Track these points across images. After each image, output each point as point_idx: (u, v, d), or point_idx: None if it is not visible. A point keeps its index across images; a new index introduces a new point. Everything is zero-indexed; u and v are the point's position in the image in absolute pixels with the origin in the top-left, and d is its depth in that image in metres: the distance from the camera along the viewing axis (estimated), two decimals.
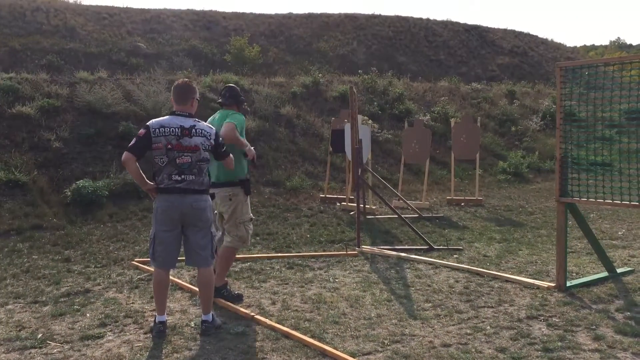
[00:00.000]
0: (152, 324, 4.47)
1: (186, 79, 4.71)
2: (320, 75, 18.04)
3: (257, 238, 8.02)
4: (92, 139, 11.10)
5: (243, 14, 31.38)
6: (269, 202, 10.38)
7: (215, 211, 5.15)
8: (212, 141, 4.39)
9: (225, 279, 5.28)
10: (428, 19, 34.73)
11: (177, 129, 4.29)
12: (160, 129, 4.30)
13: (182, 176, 4.30)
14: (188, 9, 30.35)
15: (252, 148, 5.19)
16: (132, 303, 5.17)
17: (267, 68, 23.08)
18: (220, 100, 5.29)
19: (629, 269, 6.12)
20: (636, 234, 8.12)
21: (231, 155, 4.60)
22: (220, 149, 4.49)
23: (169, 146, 4.27)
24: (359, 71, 20.09)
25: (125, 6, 29.10)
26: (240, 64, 22.23)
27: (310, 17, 32.29)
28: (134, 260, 6.67)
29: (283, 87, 16.36)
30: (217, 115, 5.24)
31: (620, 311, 4.78)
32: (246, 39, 24.60)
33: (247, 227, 5.18)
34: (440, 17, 46.82)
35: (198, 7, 41.98)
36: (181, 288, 5.59)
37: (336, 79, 18.67)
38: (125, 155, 4.30)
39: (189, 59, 23.52)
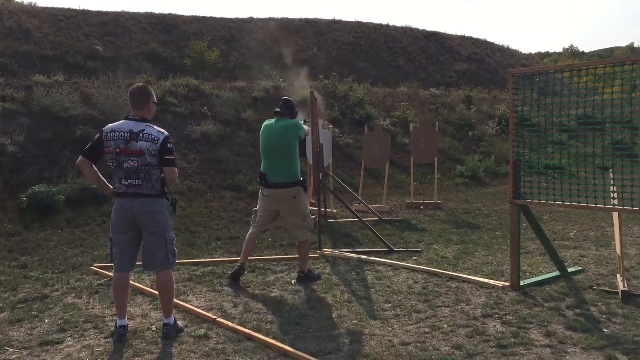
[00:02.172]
0: (112, 329, 4.46)
1: (141, 84, 4.69)
2: (281, 80, 18.08)
3: (219, 242, 8.04)
4: (48, 144, 10.89)
5: (203, 17, 31.11)
6: (230, 207, 10.37)
7: (255, 208, 6.12)
8: (159, 146, 4.29)
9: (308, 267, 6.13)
10: (388, 25, 35.09)
11: (126, 133, 4.29)
12: (111, 134, 4.31)
13: (129, 181, 4.29)
14: (147, 12, 29.92)
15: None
16: (92, 308, 5.13)
17: (227, 72, 22.96)
18: (277, 110, 6.05)
19: (580, 268, 6.36)
20: (587, 235, 8.42)
21: (175, 169, 4.42)
22: (165, 156, 4.31)
23: (117, 150, 4.28)
24: (320, 76, 20.20)
25: (82, 8, 28.44)
26: (201, 68, 22.08)
27: (270, 22, 32.27)
28: (93, 266, 6.60)
29: (244, 91, 16.34)
30: (272, 120, 6.06)
31: (570, 308, 4.98)
32: (206, 43, 24.44)
33: (310, 218, 6.08)
34: (399, 23, 47.39)
35: (157, 11, 41.42)
36: (142, 292, 5.56)
37: (297, 84, 18.73)
38: (78, 159, 4.41)
39: (148, 62, 23.23)
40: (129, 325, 4.52)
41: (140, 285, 5.72)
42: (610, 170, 6.08)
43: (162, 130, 4.41)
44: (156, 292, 5.10)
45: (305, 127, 6.18)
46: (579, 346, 4.13)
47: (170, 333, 4.37)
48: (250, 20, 32.18)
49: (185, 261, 6.78)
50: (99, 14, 27.89)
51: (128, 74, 18.21)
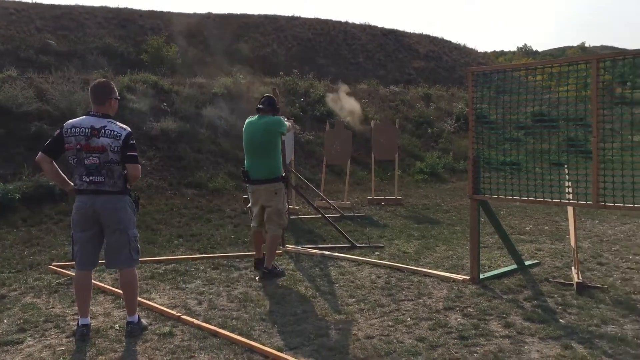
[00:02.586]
0: (74, 328, 4.39)
1: (103, 79, 4.63)
2: (241, 76, 17.97)
3: (181, 240, 7.97)
4: (2, 140, 10.57)
5: (161, 12, 30.65)
6: (191, 204, 10.29)
7: (249, 205, 6.37)
8: (121, 142, 4.25)
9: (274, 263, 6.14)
10: (347, 22, 35.26)
11: (87, 129, 4.23)
12: (72, 129, 4.24)
13: (90, 177, 4.24)
14: (102, 6, 29.29)
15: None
16: (52, 307, 5.03)
17: (186, 68, 22.68)
18: (260, 107, 6.08)
19: (536, 261, 6.55)
20: (542, 229, 8.67)
21: (138, 165, 4.38)
22: (127, 152, 4.27)
23: (78, 146, 4.22)
24: (280, 73, 20.17)
25: (34, 1, 27.64)
26: (158, 64, 21.73)
27: (229, 18, 32.01)
28: (52, 265, 6.46)
29: (204, 87, 16.17)
30: (255, 117, 6.09)
31: (528, 300, 5.13)
32: (163, 38, 24.07)
33: (286, 216, 6.25)
34: (359, 20, 47.66)
35: (112, 4, 40.60)
36: (104, 291, 5.48)
37: (257, 80, 18.65)
38: (38, 155, 4.34)
39: (103, 57, 22.76)
40: (91, 325, 4.45)
41: (102, 284, 5.63)
42: (565, 166, 6.27)
43: (124, 126, 4.36)
44: (118, 291, 5.05)
45: (288, 123, 6.27)
46: (537, 336, 4.27)
47: (134, 331, 4.33)
48: (209, 15, 31.86)
49: (147, 259, 6.69)
50: (51, 7, 27.18)
51: (82, 70, 17.80)
